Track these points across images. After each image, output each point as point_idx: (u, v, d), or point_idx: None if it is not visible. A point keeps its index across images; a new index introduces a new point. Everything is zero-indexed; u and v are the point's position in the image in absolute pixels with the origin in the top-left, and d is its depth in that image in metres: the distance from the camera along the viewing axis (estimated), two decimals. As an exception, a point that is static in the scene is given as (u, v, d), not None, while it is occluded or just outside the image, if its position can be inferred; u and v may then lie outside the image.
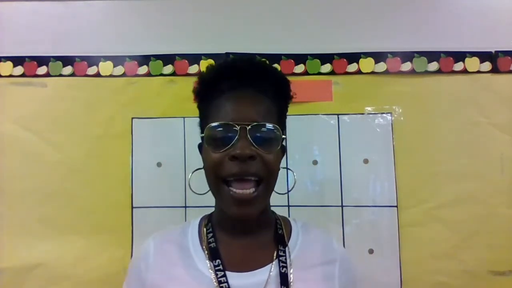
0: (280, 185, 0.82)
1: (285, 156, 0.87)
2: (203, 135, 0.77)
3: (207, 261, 0.76)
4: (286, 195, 0.84)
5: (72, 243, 1.27)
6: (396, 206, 1.26)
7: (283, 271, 0.75)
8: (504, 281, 1.22)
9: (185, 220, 1.26)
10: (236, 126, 0.71)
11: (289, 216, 1.06)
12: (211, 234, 0.80)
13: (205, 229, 0.82)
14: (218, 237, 0.80)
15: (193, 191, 0.87)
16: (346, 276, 0.82)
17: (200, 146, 0.81)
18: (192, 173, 0.86)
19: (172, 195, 1.29)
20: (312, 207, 1.24)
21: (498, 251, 1.23)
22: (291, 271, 0.76)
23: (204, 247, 0.79)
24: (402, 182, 1.26)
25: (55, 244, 1.27)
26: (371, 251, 1.24)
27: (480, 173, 1.26)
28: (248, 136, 0.71)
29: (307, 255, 0.80)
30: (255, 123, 0.72)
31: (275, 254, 0.78)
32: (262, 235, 0.81)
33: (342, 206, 1.27)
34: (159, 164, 1.30)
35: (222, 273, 0.74)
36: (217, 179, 0.74)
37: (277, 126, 0.75)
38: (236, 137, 0.71)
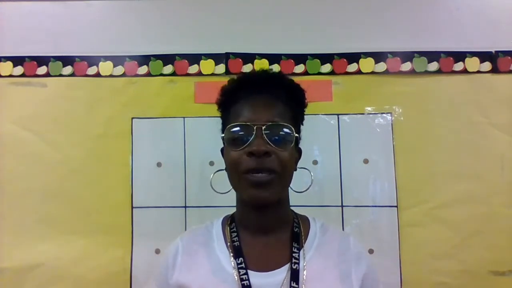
0: (298, 185, 0.88)
1: None
2: (223, 135, 0.83)
3: (231, 259, 0.81)
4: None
5: (72, 243, 1.27)
6: (396, 206, 1.26)
7: (294, 267, 0.79)
8: (504, 281, 1.22)
9: (185, 221, 1.27)
10: (253, 126, 0.78)
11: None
12: (235, 234, 0.85)
13: (228, 228, 0.86)
14: (241, 236, 0.84)
15: (214, 190, 0.92)
16: (364, 274, 0.83)
17: (222, 151, 0.87)
18: (214, 173, 0.94)
19: (172, 195, 1.29)
20: (312, 207, 1.24)
21: (498, 251, 1.23)
22: (305, 271, 0.79)
23: (228, 245, 0.83)
24: (402, 182, 1.26)
25: (55, 244, 1.27)
26: (371, 251, 1.24)
27: (480, 173, 1.26)
28: (264, 135, 0.77)
29: (324, 255, 0.83)
30: (269, 123, 0.78)
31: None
32: (281, 233, 0.84)
33: (342, 206, 1.27)
34: (159, 164, 1.30)
35: (244, 271, 0.78)
36: (237, 174, 0.79)
37: (291, 126, 0.80)
38: (253, 136, 0.77)
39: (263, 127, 0.77)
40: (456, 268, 1.23)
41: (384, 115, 1.30)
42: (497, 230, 1.24)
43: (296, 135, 0.82)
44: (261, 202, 0.80)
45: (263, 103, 0.82)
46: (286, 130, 0.80)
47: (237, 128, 0.80)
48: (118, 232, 1.27)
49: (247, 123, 0.78)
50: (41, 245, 1.27)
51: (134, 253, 1.26)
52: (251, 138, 0.77)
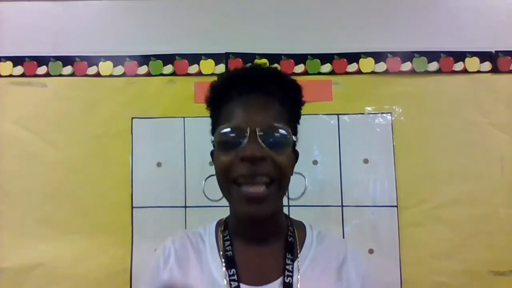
0: (293, 189, 0.84)
1: None
2: (213, 140, 0.77)
3: (223, 269, 0.76)
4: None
5: (72, 243, 1.27)
6: (396, 206, 1.26)
7: (287, 280, 0.74)
8: (504, 281, 1.22)
9: (185, 221, 1.27)
10: (246, 129, 0.70)
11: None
12: (228, 242, 0.79)
13: (222, 235, 0.81)
14: (234, 245, 0.79)
15: (207, 197, 0.86)
16: (362, 282, 0.79)
17: (212, 154, 0.81)
18: (206, 179, 0.87)
19: (172, 195, 1.29)
20: (312, 207, 1.24)
21: (498, 251, 1.23)
22: (299, 283, 0.74)
23: (221, 254, 0.78)
24: (402, 182, 1.26)
25: (55, 244, 1.27)
26: (371, 251, 1.24)
27: (480, 173, 1.26)
28: (258, 138, 0.70)
29: (320, 266, 0.78)
30: (265, 126, 0.71)
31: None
32: (276, 243, 0.80)
33: (342, 206, 1.27)
34: (159, 164, 1.30)
35: (236, 283, 0.73)
36: (228, 182, 0.73)
37: (287, 128, 0.74)
38: (246, 139, 0.70)
39: (258, 130, 0.70)
40: (456, 268, 1.23)
41: (384, 115, 1.30)
42: (497, 230, 1.24)
43: (294, 139, 0.76)
44: (256, 220, 0.74)
45: (258, 103, 0.74)
46: (283, 132, 0.73)
47: (229, 131, 0.72)
48: (118, 232, 1.27)
49: (240, 126, 0.71)
50: (41, 245, 1.27)
51: (134, 253, 1.26)
52: (244, 142, 0.70)
